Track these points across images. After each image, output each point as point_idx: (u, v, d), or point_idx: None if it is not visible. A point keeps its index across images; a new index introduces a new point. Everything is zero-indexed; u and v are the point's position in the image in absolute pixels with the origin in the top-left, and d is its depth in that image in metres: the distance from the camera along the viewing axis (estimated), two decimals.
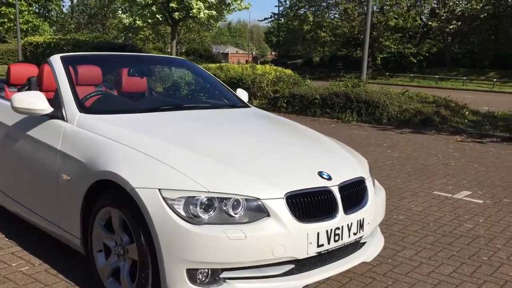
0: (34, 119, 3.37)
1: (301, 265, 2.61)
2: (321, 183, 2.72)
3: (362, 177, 2.99)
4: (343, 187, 2.79)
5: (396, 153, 7.90)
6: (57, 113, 3.28)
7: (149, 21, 24.98)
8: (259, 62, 46.09)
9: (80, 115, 3.20)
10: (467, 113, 11.61)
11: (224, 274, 2.48)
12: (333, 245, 2.67)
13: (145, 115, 3.41)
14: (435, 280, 3.31)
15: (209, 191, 2.48)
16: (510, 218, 4.69)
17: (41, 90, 3.91)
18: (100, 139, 2.93)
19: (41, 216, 3.29)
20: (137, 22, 24.75)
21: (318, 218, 2.63)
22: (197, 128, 3.27)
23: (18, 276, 3.13)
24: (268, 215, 2.50)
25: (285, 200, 2.54)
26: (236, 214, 2.48)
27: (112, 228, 2.81)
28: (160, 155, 2.67)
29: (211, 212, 2.47)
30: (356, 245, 2.90)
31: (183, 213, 2.45)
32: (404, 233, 4.18)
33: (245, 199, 2.50)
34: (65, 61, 3.60)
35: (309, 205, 2.62)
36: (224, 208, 2.48)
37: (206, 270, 2.45)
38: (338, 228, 2.69)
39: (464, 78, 33.87)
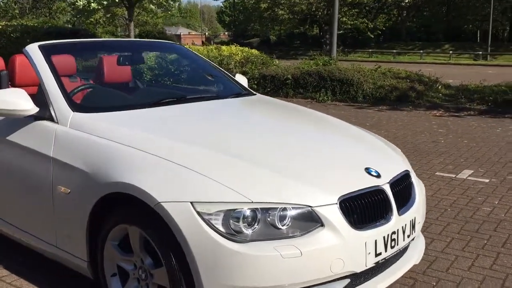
0: (14, 122, 2.85)
1: (356, 278, 2.26)
2: (372, 181, 2.36)
3: (407, 170, 2.66)
4: (393, 184, 2.45)
5: (382, 132, 7.66)
6: (44, 113, 2.77)
7: (104, 3, 23.80)
8: (212, 43, 45.10)
9: (74, 115, 2.71)
10: (440, 87, 11.53)
11: None
12: (389, 252, 2.34)
13: (147, 111, 2.94)
14: (479, 275, 3.04)
15: (252, 202, 2.08)
16: None
17: (13, 85, 3.37)
18: (104, 143, 2.46)
19: (35, 236, 2.80)
20: (92, 4, 23.53)
21: (374, 223, 2.28)
22: (214, 125, 2.83)
23: None
24: (322, 225, 2.12)
25: (338, 206, 2.17)
26: (283, 226, 2.10)
27: (128, 247, 2.38)
28: (184, 160, 2.24)
29: (255, 226, 2.08)
30: (405, 248, 2.57)
31: (222, 230, 2.05)
32: (426, 222, 3.90)
33: (293, 208, 2.11)
34: (45, 51, 3.06)
35: (363, 209, 2.26)
36: (269, 219, 2.09)
37: None
38: (394, 232, 2.35)
39: (421, 51, 34.30)
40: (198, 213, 2.06)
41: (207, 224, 2.04)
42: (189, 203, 2.08)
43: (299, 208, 2.12)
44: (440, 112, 9.78)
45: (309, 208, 2.12)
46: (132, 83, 3.91)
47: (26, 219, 2.82)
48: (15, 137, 2.83)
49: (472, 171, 5.40)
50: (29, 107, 2.73)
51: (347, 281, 2.22)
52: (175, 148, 2.36)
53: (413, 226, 2.50)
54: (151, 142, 2.40)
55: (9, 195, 2.91)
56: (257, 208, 2.08)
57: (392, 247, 2.34)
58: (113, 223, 2.36)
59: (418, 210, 2.56)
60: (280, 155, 2.42)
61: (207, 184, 2.13)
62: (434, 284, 2.93)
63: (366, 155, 2.64)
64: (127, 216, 2.30)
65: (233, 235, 2.04)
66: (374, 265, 2.26)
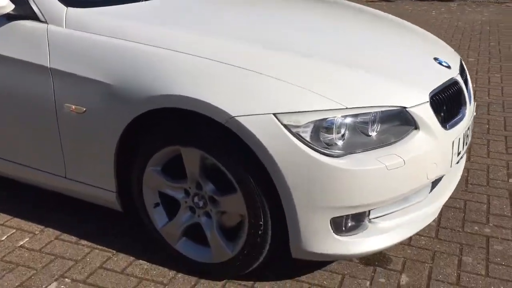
0: None
1: (436, 181, 2.07)
2: (448, 73, 2.12)
3: (461, 60, 2.43)
4: (461, 75, 2.23)
5: None
6: (24, 10, 2.13)
7: None
8: None
9: (69, 11, 2.10)
10: None
11: (371, 215, 1.86)
12: (464, 149, 2.16)
13: (159, 1, 2.36)
14: (501, 161, 3.02)
15: (346, 108, 1.74)
16: None
17: None
18: (133, 46, 1.93)
19: (41, 171, 2.27)
20: None
21: (456, 119, 2.06)
22: (260, 17, 2.33)
23: (24, 255, 2.20)
24: (416, 128, 1.86)
25: (429, 104, 1.90)
26: (373, 132, 1.81)
27: (175, 172, 1.98)
28: (254, 65, 1.81)
29: (344, 136, 1.76)
30: None
31: (314, 143, 1.71)
32: None
33: (387, 111, 1.81)
34: None
35: (447, 104, 2.02)
36: (360, 126, 1.78)
37: (354, 214, 1.80)
38: (468, 128, 2.16)
39: None
40: (285, 126, 1.70)
41: (297, 138, 1.70)
42: (272, 115, 1.70)
43: (392, 110, 1.82)
44: None
45: (404, 109, 1.83)
46: None
47: (27, 151, 2.26)
48: None
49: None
50: (4, 3, 2.08)
51: (429, 187, 2.03)
52: (233, 49, 1.90)
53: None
54: (198, 43, 1.91)
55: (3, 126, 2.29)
56: (350, 115, 1.75)
57: (465, 144, 2.16)
58: (157, 145, 1.93)
59: (473, 104, 2.37)
60: (357, 55, 2.03)
61: (291, 91, 1.74)
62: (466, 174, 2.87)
63: (429, 47, 2.35)
64: (181, 136, 1.87)
65: (326, 148, 1.72)
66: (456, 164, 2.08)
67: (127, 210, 2.19)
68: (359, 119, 1.77)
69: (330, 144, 1.74)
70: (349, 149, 1.74)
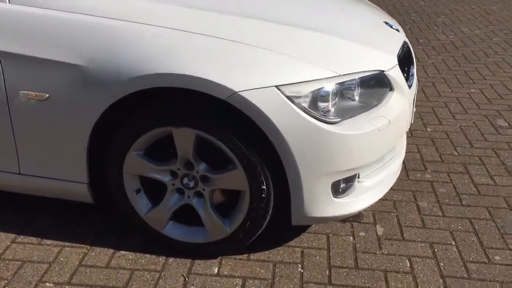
0: None
1: None
2: (401, 36, 2.28)
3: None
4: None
5: None
6: None
7: None
8: None
9: None
10: None
11: (360, 175, 1.96)
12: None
13: None
14: None
15: (340, 75, 1.80)
16: None
17: None
18: (103, 22, 1.75)
19: None
20: None
21: (411, 78, 2.23)
22: None
23: None
24: (391, 89, 1.99)
25: (398, 66, 2.04)
26: (356, 97, 1.90)
27: (158, 155, 1.88)
28: (248, 38, 1.76)
29: (335, 102, 1.83)
30: None
31: (315, 112, 1.75)
32: None
33: (369, 76, 1.90)
34: None
35: (406, 65, 2.18)
36: (347, 92, 1.86)
37: (348, 176, 1.89)
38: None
39: None
40: (288, 97, 1.70)
41: (300, 108, 1.72)
42: (275, 87, 1.69)
43: (372, 75, 1.92)
44: None
45: (382, 72, 1.94)
46: None
47: None
48: None
49: None
50: None
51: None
52: (225, 22, 1.82)
53: None
54: (186, 17, 1.79)
55: None
56: (340, 82, 1.81)
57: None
58: (141, 129, 1.80)
59: None
60: (330, 24, 2.07)
61: (289, 63, 1.74)
62: None
63: (377, 13, 2.47)
64: (173, 117, 1.76)
65: (324, 116, 1.77)
66: None
67: (99, 201, 2.03)
68: (345, 85, 1.84)
69: (325, 111, 1.79)
70: (342, 115, 1.81)
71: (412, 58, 2.33)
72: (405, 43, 2.26)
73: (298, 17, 2.03)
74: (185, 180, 1.90)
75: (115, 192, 1.95)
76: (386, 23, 2.32)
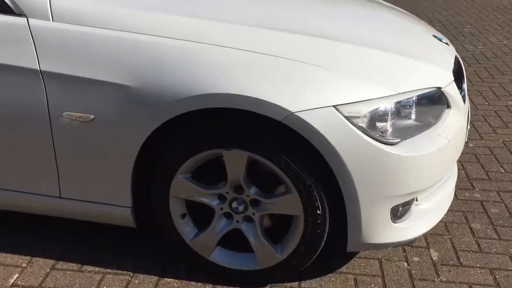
0: None
1: None
2: (451, 50, 2.18)
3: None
4: None
5: None
6: None
7: None
8: None
9: (54, 1, 1.75)
10: None
11: (418, 198, 1.86)
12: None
13: None
14: None
15: (398, 93, 1.70)
16: None
17: None
18: (152, 41, 1.68)
19: (34, 194, 1.90)
20: None
21: (463, 94, 2.13)
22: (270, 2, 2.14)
23: None
24: (448, 106, 1.88)
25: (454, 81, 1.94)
26: (413, 115, 1.79)
27: (205, 178, 1.79)
28: (299, 55, 1.67)
29: (392, 122, 1.73)
30: None
31: (374, 133, 1.65)
32: None
33: (427, 93, 1.80)
34: None
35: (459, 80, 2.08)
36: (403, 110, 1.76)
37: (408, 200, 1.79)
38: None
39: None
40: (347, 117, 1.61)
41: (359, 129, 1.62)
42: (333, 107, 1.60)
43: (429, 92, 1.82)
44: None
45: (439, 89, 1.84)
46: None
47: (19, 174, 1.88)
48: None
49: None
50: None
51: None
52: (273, 39, 1.73)
53: None
54: (233, 33, 1.71)
55: None
56: (399, 100, 1.71)
57: None
58: (189, 151, 1.71)
59: None
60: (382, 40, 1.97)
61: (346, 81, 1.65)
62: None
63: (423, 26, 2.37)
64: (224, 139, 1.68)
65: (382, 136, 1.67)
66: None
67: (141, 225, 1.94)
68: (402, 103, 1.74)
69: (383, 132, 1.69)
70: (401, 135, 1.71)
71: (463, 73, 2.22)
72: (456, 57, 2.16)
73: (346, 32, 1.93)
74: (234, 204, 1.81)
75: (160, 216, 1.87)
76: (435, 36, 2.23)
